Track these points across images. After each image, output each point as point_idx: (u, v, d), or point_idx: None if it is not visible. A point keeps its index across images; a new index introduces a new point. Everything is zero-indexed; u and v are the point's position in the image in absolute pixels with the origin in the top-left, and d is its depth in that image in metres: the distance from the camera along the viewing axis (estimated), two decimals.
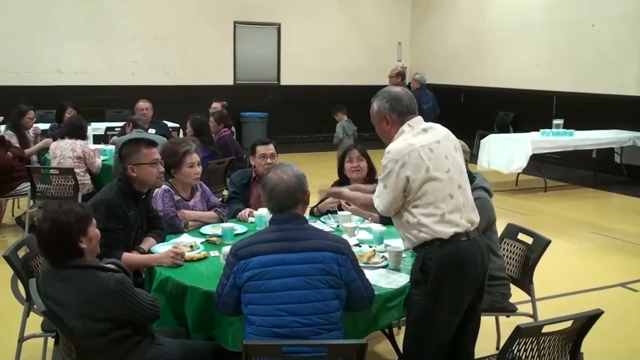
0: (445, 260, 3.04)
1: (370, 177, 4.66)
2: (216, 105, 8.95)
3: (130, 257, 3.59)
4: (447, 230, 3.05)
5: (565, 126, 10.25)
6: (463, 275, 3.07)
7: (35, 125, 8.03)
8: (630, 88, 10.69)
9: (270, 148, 4.87)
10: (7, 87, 11.57)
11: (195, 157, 4.36)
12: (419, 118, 3.23)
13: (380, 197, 3.17)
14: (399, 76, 10.69)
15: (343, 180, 4.71)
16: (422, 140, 3.11)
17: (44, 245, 2.83)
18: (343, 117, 9.95)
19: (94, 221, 2.93)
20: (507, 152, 9.69)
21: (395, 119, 3.21)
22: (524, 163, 9.49)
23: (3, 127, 7.58)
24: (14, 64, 11.88)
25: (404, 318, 3.29)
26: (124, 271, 2.93)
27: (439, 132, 3.23)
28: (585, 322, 2.76)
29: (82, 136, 6.95)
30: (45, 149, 7.43)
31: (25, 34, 11.94)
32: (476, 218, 3.19)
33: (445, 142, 3.19)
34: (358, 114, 13.97)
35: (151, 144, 3.94)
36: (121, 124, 8.67)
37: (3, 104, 9.22)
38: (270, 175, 3.01)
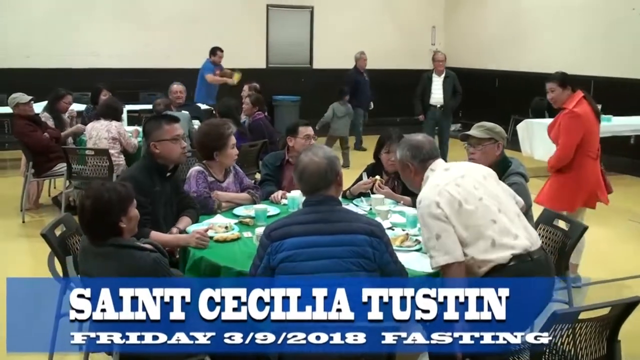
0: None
1: None
2: (250, 88, 8.93)
3: (158, 235, 3.63)
4: (503, 255, 3.00)
5: (603, 112, 9.98)
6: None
7: (70, 107, 8.12)
8: None
9: (311, 129, 4.93)
10: (44, 69, 11.70)
11: (234, 138, 4.45)
12: (440, 161, 3.29)
13: (441, 249, 2.98)
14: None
15: (377, 163, 4.69)
16: (446, 178, 3.13)
17: (85, 221, 2.88)
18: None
19: (135, 202, 2.97)
20: (545, 139, 9.49)
21: (417, 166, 3.29)
22: None
23: (39, 108, 7.67)
24: (51, 47, 12.00)
25: None
26: (160, 251, 2.95)
27: (461, 167, 3.27)
28: (623, 309, 2.71)
29: (117, 118, 7.03)
30: (79, 133, 7.54)
31: (62, 17, 12.05)
32: (533, 235, 3.16)
33: (471, 173, 3.20)
34: (390, 97, 14.04)
35: (173, 120, 3.98)
36: None
37: (40, 86, 9.34)
38: (301, 157, 3.01)
